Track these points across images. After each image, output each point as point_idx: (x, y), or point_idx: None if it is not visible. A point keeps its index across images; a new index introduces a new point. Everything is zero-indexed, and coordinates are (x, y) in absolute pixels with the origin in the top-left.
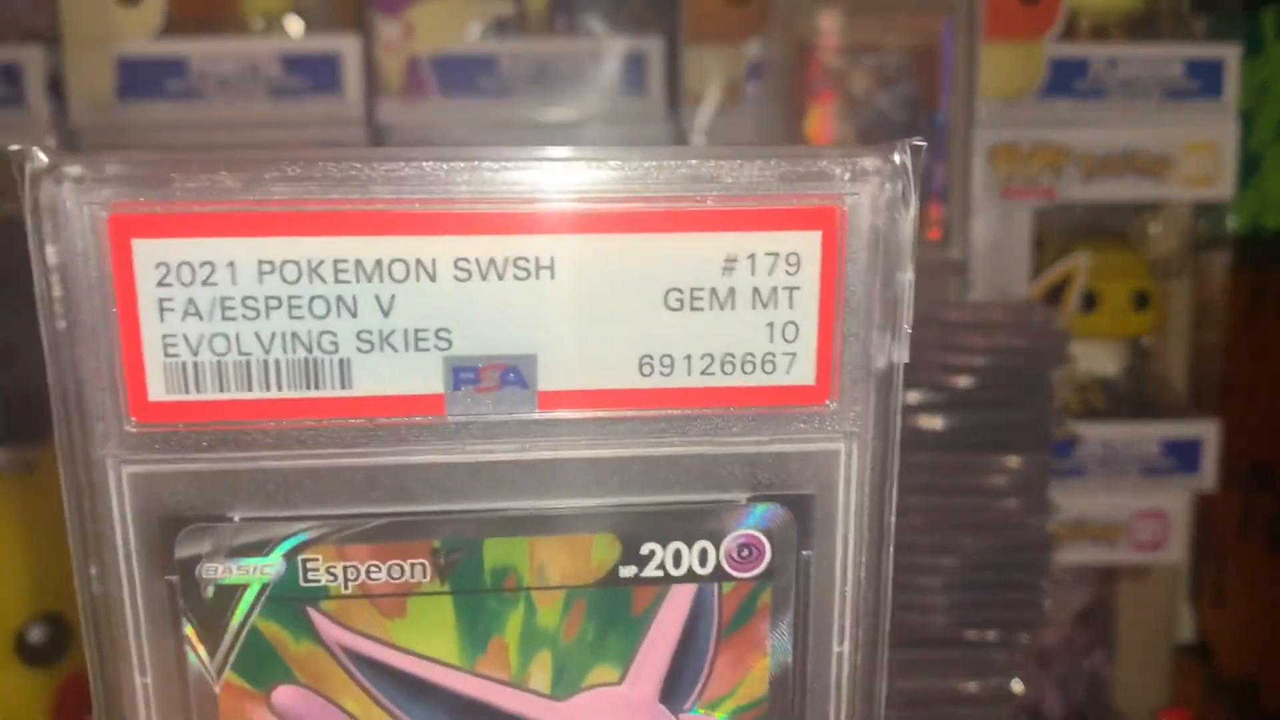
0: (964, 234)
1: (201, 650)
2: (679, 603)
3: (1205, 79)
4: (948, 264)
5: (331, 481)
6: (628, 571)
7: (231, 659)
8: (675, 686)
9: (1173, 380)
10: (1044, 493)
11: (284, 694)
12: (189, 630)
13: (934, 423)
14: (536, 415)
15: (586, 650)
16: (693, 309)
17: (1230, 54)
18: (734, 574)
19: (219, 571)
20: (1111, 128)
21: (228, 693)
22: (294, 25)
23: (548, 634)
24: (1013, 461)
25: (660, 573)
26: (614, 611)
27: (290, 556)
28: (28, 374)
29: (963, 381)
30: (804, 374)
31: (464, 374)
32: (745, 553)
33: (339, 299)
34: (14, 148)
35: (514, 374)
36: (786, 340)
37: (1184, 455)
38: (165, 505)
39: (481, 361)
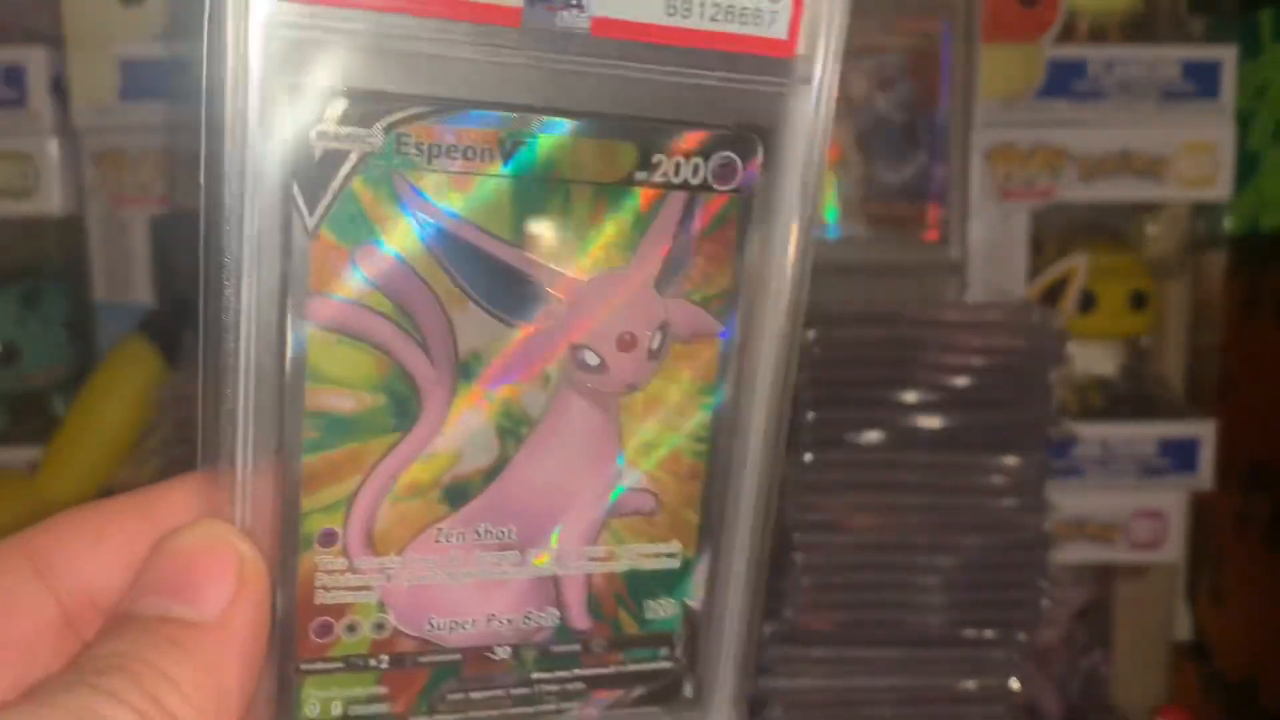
0: (962, 234)
1: (303, 205)
2: (674, 207)
3: (1202, 80)
4: (946, 264)
5: (431, 70)
6: (641, 176)
7: (328, 216)
8: (666, 274)
9: (1170, 380)
10: (1041, 492)
11: (366, 250)
12: (295, 186)
13: (932, 422)
14: (589, 37)
15: (604, 238)
16: None
17: (1227, 55)
18: (715, 187)
19: (328, 137)
20: (1109, 129)
21: (319, 245)
22: None
23: (578, 222)
24: (1010, 461)
25: (663, 179)
26: (627, 208)
27: (388, 130)
28: (30, 375)
29: (960, 381)
30: (781, 29)
31: None
32: (724, 170)
33: None
34: None
35: None
36: (771, 1)
37: (1181, 455)
38: (292, 74)
39: None
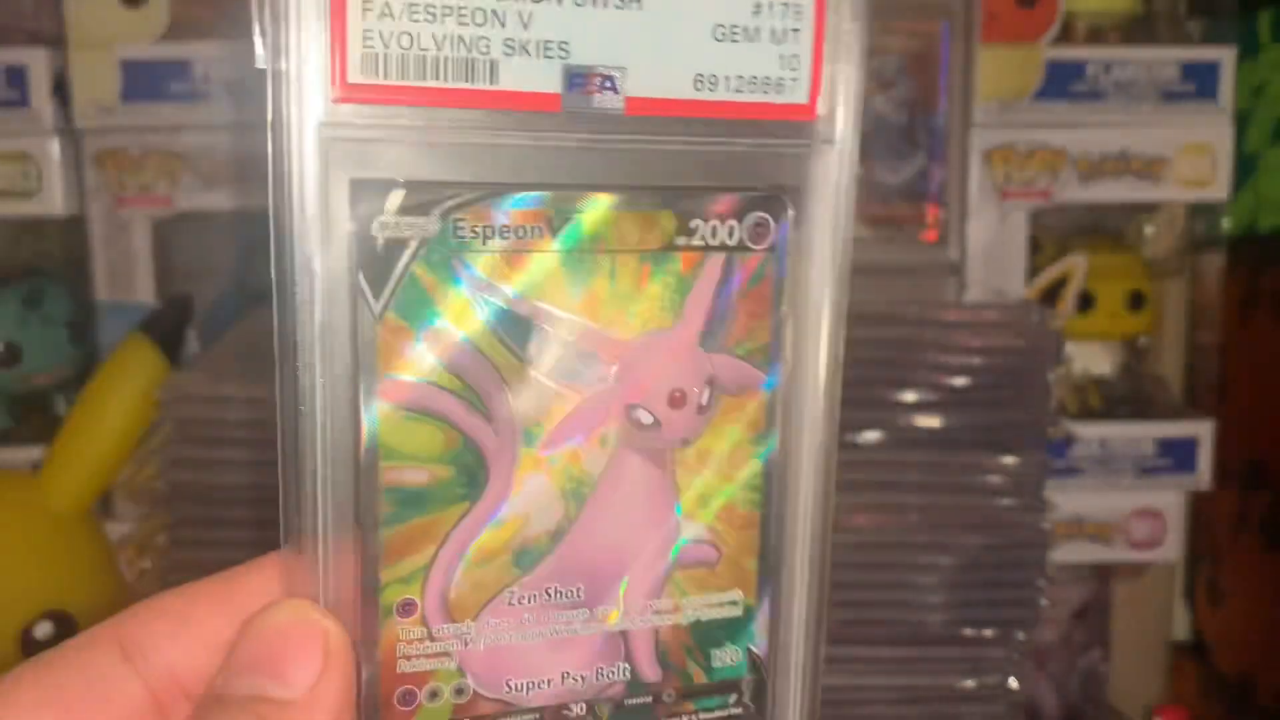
0: (961, 235)
1: (368, 292)
2: (713, 267)
3: (1201, 81)
4: (944, 264)
5: (480, 157)
6: (680, 241)
7: (393, 301)
8: (710, 332)
9: (1168, 380)
10: (1040, 492)
11: (430, 330)
12: (360, 275)
13: (931, 422)
14: (623, 116)
15: (650, 301)
16: (732, 41)
17: (1226, 56)
18: (751, 246)
19: (389, 227)
20: (1108, 129)
21: (386, 328)
22: None
23: (625, 289)
24: (1009, 460)
25: (702, 243)
26: (669, 272)
27: (444, 216)
28: (32, 375)
29: (959, 381)
30: (801, 95)
31: (576, 79)
32: (758, 230)
33: (493, 12)
34: None
35: (610, 82)
36: (791, 69)
37: (1179, 454)
38: (351, 170)
39: (589, 70)
